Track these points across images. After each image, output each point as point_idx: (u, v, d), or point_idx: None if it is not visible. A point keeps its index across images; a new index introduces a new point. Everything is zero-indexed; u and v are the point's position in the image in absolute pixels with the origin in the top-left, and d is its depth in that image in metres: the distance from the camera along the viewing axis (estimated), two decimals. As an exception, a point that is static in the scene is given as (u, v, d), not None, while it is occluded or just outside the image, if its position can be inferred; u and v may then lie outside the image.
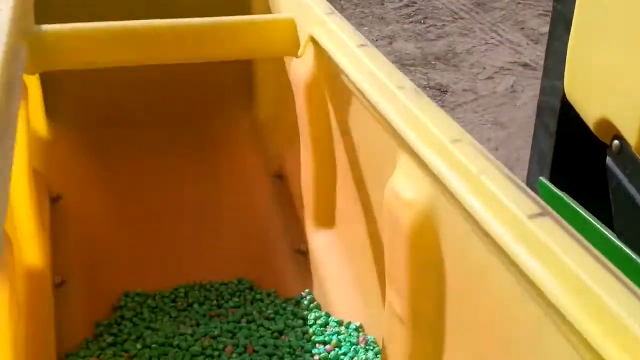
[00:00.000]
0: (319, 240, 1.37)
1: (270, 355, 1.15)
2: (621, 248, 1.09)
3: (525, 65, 3.44)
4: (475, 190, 0.70)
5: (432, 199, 0.83)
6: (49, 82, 1.55)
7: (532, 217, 0.64)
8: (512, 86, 3.25)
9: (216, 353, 1.15)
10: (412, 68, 3.38)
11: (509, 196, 0.67)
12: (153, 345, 1.19)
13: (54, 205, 1.37)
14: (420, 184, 0.85)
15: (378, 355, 1.12)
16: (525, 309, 0.65)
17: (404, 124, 0.88)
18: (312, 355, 1.15)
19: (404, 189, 0.88)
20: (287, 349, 1.17)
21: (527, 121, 3.01)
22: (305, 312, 1.31)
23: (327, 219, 1.35)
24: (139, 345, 1.19)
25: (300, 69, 1.31)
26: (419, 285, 0.89)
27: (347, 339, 1.19)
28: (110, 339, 1.24)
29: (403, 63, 3.41)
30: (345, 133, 1.23)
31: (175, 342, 1.19)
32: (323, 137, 1.31)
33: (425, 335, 0.92)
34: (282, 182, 1.59)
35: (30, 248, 1.15)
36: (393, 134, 0.92)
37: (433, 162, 0.78)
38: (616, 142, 1.08)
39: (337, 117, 1.26)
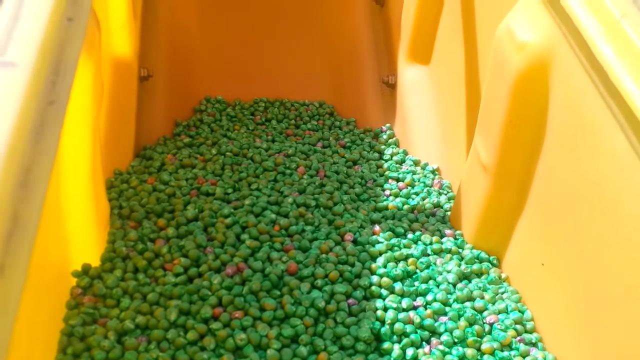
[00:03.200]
0: (409, 75, 1.30)
1: (341, 183, 1.13)
2: None
3: None
4: (612, 37, 0.60)
5: (553, 42, 0.74)
6: None
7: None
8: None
9: (288, 172, 1.15)
10: None
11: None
12: (227, 154, 1.19)
13: (146, -3, 1.33)
14: (542, 25, 0.76)
15: (450, 201, 1.09)
16: (638, 181, 0.59)
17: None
18: (383, 190, 1.13)
19: (521, 28, 0.79)
20: (359, 180, 1.16)
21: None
22: (383, 147, 1.28)
23: (423, 54, 1.27)
24: (214, 151, 1.20)
25: None
26: (514, 135, 0.83)
27: (421, 180, 1.16)
28: (187, 140, 1.25)
29: None
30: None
31: (250, 154, 1.19)
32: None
33: (509, 187, 0.87)
34: (382, 8, 1.48)
35: (120, 36, 1.13)
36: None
37: (566, -1, 0.68)
38: None
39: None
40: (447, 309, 0.85)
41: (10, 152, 0.41)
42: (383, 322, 0.82)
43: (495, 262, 0.95)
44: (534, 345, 0.82)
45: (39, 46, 0.49)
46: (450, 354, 0.80)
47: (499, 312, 0.86)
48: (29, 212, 0.41)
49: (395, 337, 0.81)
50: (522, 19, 0.79)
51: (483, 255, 0.96)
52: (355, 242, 0.96)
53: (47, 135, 0.46)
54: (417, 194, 1.12)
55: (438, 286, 0.89)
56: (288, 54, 1.47)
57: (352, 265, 0.91)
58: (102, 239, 0.96)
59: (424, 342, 0.82)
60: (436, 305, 0.85)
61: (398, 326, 0.81)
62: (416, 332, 0.82)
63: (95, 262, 0.91)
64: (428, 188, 1.14)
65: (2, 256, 0.38)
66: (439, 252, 0.96)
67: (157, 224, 0.99)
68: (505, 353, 0.80)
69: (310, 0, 1.51)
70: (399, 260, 0.92)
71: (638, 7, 0.61)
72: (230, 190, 1.07)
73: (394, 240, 0.96)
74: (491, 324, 0.84)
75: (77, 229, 0.88)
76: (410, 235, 0.99)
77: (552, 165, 0.78)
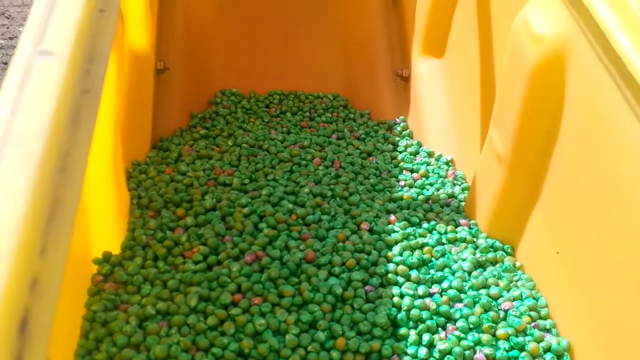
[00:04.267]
0: (423, 68, 1.32)
1: (356, 174, 1.15)
2: None
3: None
4: (629, 29, 0.62)
5: (569, 35, 0.75)
6: None
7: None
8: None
9: (304, 162, 1.17)
10: None
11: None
12: (244, 145, 1.21)
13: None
14: (559, 17, 0.77)
15: (465, 191, 1.11)
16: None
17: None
18: (398, 181, 1.15)
19: (538, 20, 0.80)
20: (374, 171, 1.17)
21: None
22: (397, 138, 1.29)
23: (437, 47, 1.28)
24: (230, 143, 1.22)
25: None
26: (530, 126, 0.84)
27: (435, 171, 1.18)
28: (203, 132, 1.27)
29: None
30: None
31: (265, 146, 1.21)
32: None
33: (523, 177, 0.89)
34: (396, 2, 1.49)
35: (138, 30, 1.15)
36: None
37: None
38: None
39: None
40: (463, 295, 0.87)
41: (51, 139, 0.43)
42: (399, 309, 0.84)
43: (509, 250, 0.97)
44: (548, 331, 0.84)
45: (74, 36, 0.51)
46: (466, 339, 0.81)
47: (514, 299, 0.87)
48: (69, 196, 0.43)
49: (411, 323, 0.83)
50: (538, 11, 0.80)
51: (497, 244, 0.97)
52: (371, 231, 0.97)
53: (83, 122, 0.47)
54: (431, 184, 1.14)
55: (453, 274, 0.91)
56: (302, 46, 1.49)
57: (369, 253, 0.92)
58: (122, 228, 0.98)
59: (439, 328, 0.83)
60: (452, 292, 0.87)
61: (414, 312, 0.83)
62: (432, 319, 0.83)
63: (115, 250, 0.93)
64: (442, 179, 1.15)
65: (43, 238, 0.40)
66: (453, 241, 0.98)
67: (175, 213, 1.01)
68: (520, 338, 0.81)
69: None
70: (415, 249, 0.94)
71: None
72: (247, 181, 1.09)
73: (410, 230, 0.97)
74: (506, 311, 0.85)
75: (99, 217, 0.90)
76: (425, 225, 1.00)
77: (567, 155, 0.80)
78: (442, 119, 1.24)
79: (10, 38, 2.11)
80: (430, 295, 0.87)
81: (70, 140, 0.45)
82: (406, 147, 1.26)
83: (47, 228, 0.40)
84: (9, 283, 0.35)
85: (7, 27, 2.16)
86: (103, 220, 0.92)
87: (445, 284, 0.88)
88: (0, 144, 0.41)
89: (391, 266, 0.90)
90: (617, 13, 0.64)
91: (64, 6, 0.53)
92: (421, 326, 0.82)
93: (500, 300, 0.87)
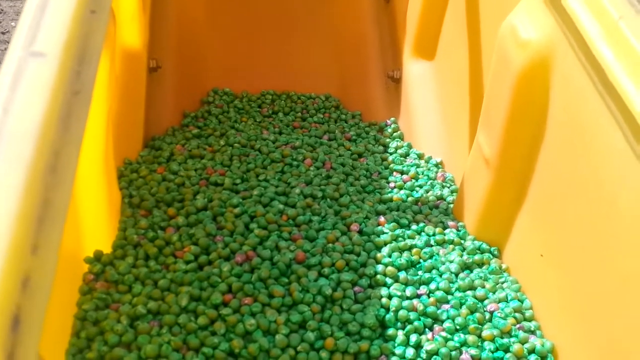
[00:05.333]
0: (414, 70, 1.33)
1: (347, 175, 1.16)
2: None
3: None
4: (610, 37, 0.63)
5: (554, 41, 0.76)
6: None
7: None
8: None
9: (295, 163, 1.17)
10: None
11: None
12: (236, 145, 1.21)
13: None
14: (544, 23, 0.78)
15: (454, 193, 1.12)
16: (634, 177, 0.61)
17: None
18: (388, 182, 1.16)
19: (523, 26, 0.81)
20: (364, 172, 1.18)
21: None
22: (388, 140, 1.31)
23: (427, 50, 1.30)
24: (222, 142, 1.23)
25: None
26: (516, 130, 0.86)
27: (425, 173, 1.19)
28: (195, 131, 1.27)
29: None
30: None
31: (257, 146, 1.21)
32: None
33: (510, 180, 0.90)
34: (387, 4, 1.51)
35: (130, 28, 1.15)
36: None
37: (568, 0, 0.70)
38: None
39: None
40: (450, 297, 0.88)
41: (42, 139, 0.44)
42: (388, 309, 0.85)
43: (496, 252, 0.98)
44: (533, 332, 0.85)
45: (65, 37, 0.51)
46: (452, 340, 0.82)
47: (499, 301, 0.89)
48: (59, 195, 0.44)
49: (399, 324, 0.84)
50: (524, 17, 0.82)
51: (484, 246, 0.98)
52: (361, 232, 0.98)
53: (74, 124, 0.48)
54: (420, 186, 1.15)
55: (441, 275, 0.92)
56: (295, 47, 1.50)
57: (358, 254, 0.93)
58: (113, 227, 0.98)
59: (427, 329, 0.84)
60: (439, 293, 0.88)
61: (402, 313, 0.84)
62: (419, 319, 0.84)
63: (106, 249, 0.94)
64: (432, 181, 1.17)
65: (35, 237, 0.40)
66: (441, 243, 0.99)
67: (167, 213, 1.02)
68: (505, 340, 0.83)
69: None
70: (403, 250, 0.95)
71: (635, 9, 0.63)
72: (238, 181, 1.10)
73: (399, 231, 0.98)
74: (492, 312, 0.87)
75: (89, 216, 0.90)
76: (414, 227, 1.01)
77: (552, 159, 0.81)
78: (432, 121, 1.26)
79: (2, 33, 2.11)
80: (418, 296, 0.88)
81: (61, 141, 0.46)
82: (396, 148, 1.28)
83: (39, 227, 0.41)
84: (1, 281, 0.36)
85: (0, 22, 2.16)
86: (94, 219, 0.92)
87: (432, 286, 0.89)
88: None
89: (380, 267, 0.91)
90: (599, 22, 0.65)
91: (56, 7, 0.54)
92: (409, 327, 0.83)
93: (486, 301, 0.88)
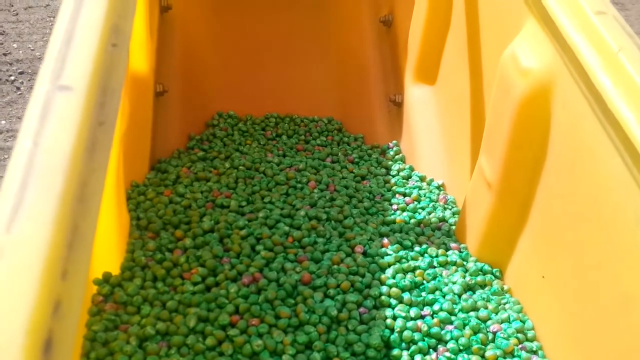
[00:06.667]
0: (416, 95, 1.36)
1: (350, 197, 1.18)
2: None
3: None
4: (609, 68, 0.66)
5: (554, 70, 0.79)
6: None
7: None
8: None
9: (299, 185, 1.20)
10: None
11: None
12: (241, 167, 1.24)
13: (162, 15, 1.38)
14: (545, 53, 0.81)
15: (455, 215, 1.14)
16: (632, 200, 0.64)
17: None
18: (391, 204, 1.18)
19: (525, 55, 0.84)
20: (367, 194, 1.20)
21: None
22: (390, 163, 1.33)
23: (429, 74, 1.32)
24: (227, 165, 1.25)
25: None
26: (517, 155, 0.88)
27: (427, 195, 1.21)
28: (201, 154, 1.30)
29: None
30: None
31: (262, 168, 1.24)
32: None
33: (512, 203, 0.92)
34: (389, 29, 1.54)
35: (138, 53, 1.18)
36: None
37: (568, 31, 0.73)
38: None
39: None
40: (453, 318, 0.90)
41: (70, 170, 0.46)
42: (392, 330, 0.87)
43: (498, 274, 1.00)
44: (535, 353, 0.87)
45: (90, 71, 0.54)
46: (456, 360, 0.84)
47: (502, 322, 0.91)
48: (87, 223, 0.46)
49: (404, 344, 0.86)
50: (526, 46, 0.85)
51: (486, 267, 1.00)
52: (365, 254, 1.00)
53: (99, 153, 0.50)
54: (423, 208, 1.17)
55: (444, 296, 0.94)
56: (298, 71, 1.53)
57: (363, 275, 0.95)
58: (122, 249, 1.00)
59: (431, 349, 0.86)
60: (442, 314, 0.90)
61: (407, 334, 0.86)
62: (424, 340, 0.86)
63: (115, 271, 0.95)
64: (434, 203, 1.19)
65: (65, 263, 0.42)
66: (444, 264, 1.01)
67: (174, 235, 1.04)
68: (508, 360, 0.85)
69: (320, 21, 1.56)
70: (407, 272, 0.97)
71: (634, 40, 0.66)
72: (244, 203, 1.12)
73: (402, 253, 1.01)
74: (494, 333, 0.89)
75: (99, 238, 0.92)
76: (417, 248, 1.03)
77: (553, 184, 0.83)
78: (433, 144, 1.28)
79: (4, 54, 2.14)
80: (422, 317, 0.90)
81: (87, 170, 0.48)
82: (399, 171, 1.30)
83: (68, 254, 0.43)
84: (34, 306, 0.38)
85: (1, 43, 2.19)
86: (103, 242, 0.94)
87: (436, 307, 0.91)
88: (25, 175, 0.44)
89: (384, 288, 0.93)
90: (599, 53, 0.68)
91: (80, 42, 0.56)
92: (413, 347, 0.85)
93: (489, 322, 0.90)
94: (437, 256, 1.02)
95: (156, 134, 1.29)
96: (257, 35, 1.53)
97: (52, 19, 2.46)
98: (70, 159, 0.46)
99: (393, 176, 1.29)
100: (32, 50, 2.25)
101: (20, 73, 2.14)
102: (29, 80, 2.10)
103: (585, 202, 0.74)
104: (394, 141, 1.39)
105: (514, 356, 0.86)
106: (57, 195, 0.43)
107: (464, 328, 0.88)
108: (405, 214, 1.14)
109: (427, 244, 1.05)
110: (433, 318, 0.89)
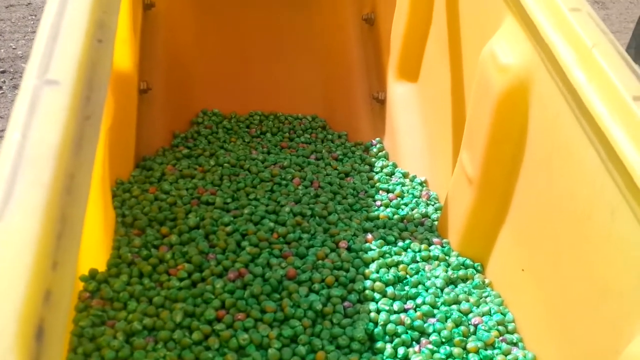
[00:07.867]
0: (398, 92, 1.37)
1: (334, 194, 1.20)
2: None
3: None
4: (584, 64, 0.68)
5: (532, 66, 0.81)
6: None
7: (637, 99, 0.63)
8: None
9: (284, 182, 1.21)
10: None
11: (618, 75, 0.65)
12: (225, 165, 1.24)
13: (145, 12, 1.38)
14: (522, 49, 0.83)
15: (438, 211, 1.16)
16: (607, 193, 0.65)
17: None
18: (375, 200, 1.20)
19: (503, 52, 0.86)
20: (351, 191, 1.22)
21: (629, 6, 2.82)
22: (373, 159, 1.35)
23: (411, 72, 1.34)
24: (212, 162, 1.25)
25: None
26: (497, 150, 0.90)
27: (410, 191, 1.23)
28: (185, 151, 1.30)
29: None
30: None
31: (247, 166, 1.25)
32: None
33: (492, 198, 0.94)
34: (371, 27, 1.55)
35: (122, 50, 1.18)
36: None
37: (544, 28, 0.75)
38: None
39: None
40: (436, 311, 0.92)
41: (58, 162, 0.47)
42: (376, 323, 0.88)
43: (479, 268, 1.02)
44: (515, 344, 0.88)
45: (76, 66, 0.54)
46: (439, 352, 0.86)
47: (483, 314, 0.92)
48: (75, 214, 0.46)
49: (387, 337, 0.87)
50: (504, 43, 0.86)
51: (468, 262, 1.02)
52: (349, 249, 1.02)
53: (85, 147, 0.51)
54: (406, 204, 1.19)
55: (427, 290, 0.95)
56: (282, 69, 1.54)
57: (347, 270, 0.97)
58: (107, 246, 1.01)
59: (414, 342, 0.88)
60: (425, 307, 0.91)
61: (390, 327, 0.87)
62: (407, 333, 0.88)
63: (101, 268, 0.96)
64: (416, 199, 1.21)
65: (54, 253, 0.43)
66: (427, 259, 1.03)
67: (160, 232, 1.04)
68: (489, 352, 0.86)
69: (303, 19, 1.58)
70: (391, 266, 0.99)
71: (607, 37, 0.68)
72: (229, 200, 1.13)
73: (386, 248, 1.02)
74: (476, 325, 0.90)
75: (85, 235, 0.92)
76: (400, 243, 1.05)
77: (531, 178, 0.85)
78: (416, 141, 1.30)
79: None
80: (405, 310, 0.91)
81: (75, 163, 0.49)
82: (382, 168, 1.31)
83: (57, 244, 0.44)
84: (26, 295, 0.39)
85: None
86: (89, 238, 0.94)
87: (419, 300, 0.93)
88: (14, 167, 0.45)
89: (368, 283, 0.94)
90: (574, 49, 0.70)
91: (66, 37, 0.57)
92: (397, 340, 0.86)
93: (470, 315, 0.92)
94: (419, 251, 1.04)
95: (141, 131, 1.29)
96: (241, 33, 1.54)
97: (33, 17, 2.45)
98: (58, 151, 0.47)
99: (376, 173, 1.30)
100: (14, 49, 2.25)
101: (2, 72, 2.13)
102: (11, 79, 2.09)
103: (562, 195, 0.76)
104: (377, 138, 1.41)
105: (494, 348, 0.88)
106: (46, 186, 0.44)
107: (446, 321, 0.90)
108: (388, 209, 1.16)
109: (410, 239, 1.07)
110: (416, 311, 0.91)
